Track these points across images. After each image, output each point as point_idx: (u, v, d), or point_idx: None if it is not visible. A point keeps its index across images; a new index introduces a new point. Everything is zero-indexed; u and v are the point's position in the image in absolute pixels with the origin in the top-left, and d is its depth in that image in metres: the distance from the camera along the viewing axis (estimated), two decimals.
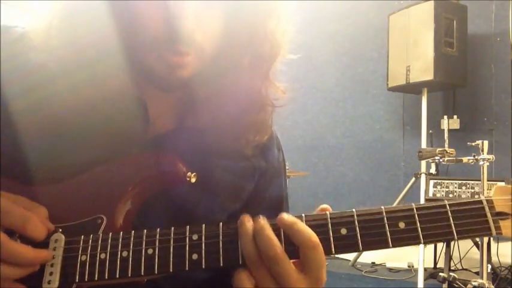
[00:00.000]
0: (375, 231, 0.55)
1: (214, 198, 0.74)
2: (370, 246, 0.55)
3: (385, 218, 0.55)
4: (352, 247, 0.55)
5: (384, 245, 0.55)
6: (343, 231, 0.55)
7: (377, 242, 0.55)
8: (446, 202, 0.54)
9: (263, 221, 0.55)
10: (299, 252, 0.54)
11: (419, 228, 0.54)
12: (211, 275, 0.74)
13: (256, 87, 0.73)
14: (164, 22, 0.61)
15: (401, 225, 0.54)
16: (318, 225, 0.56)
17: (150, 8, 0.62)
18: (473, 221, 0.54)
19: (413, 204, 0.55)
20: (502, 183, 0.58)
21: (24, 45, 0.66)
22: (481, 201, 0.54)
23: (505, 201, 0.53)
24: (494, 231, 0.53)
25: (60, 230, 0.61)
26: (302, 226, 0.54)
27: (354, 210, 0.56)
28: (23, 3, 0.70)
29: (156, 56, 0.63)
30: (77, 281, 0.58)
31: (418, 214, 0.54)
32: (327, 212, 0.57)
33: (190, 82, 0.69)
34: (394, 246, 0.54)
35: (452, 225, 0.54)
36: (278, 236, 0.55)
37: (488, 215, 0.53)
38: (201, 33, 0.64)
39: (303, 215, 0.57)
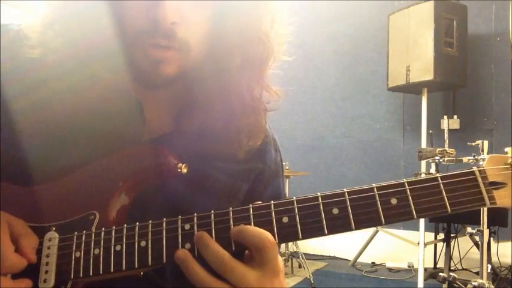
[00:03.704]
0: (367, 209, 0.54)
1: (211, 199, 0.74)
2: (363, 224, 0.54)
3: (377, 195, 0.54)
4: (345, 227, 0.54)
5: (377, 222, 0.54)
6: (335, 211, 0.55)
7: (370, 219, 0.54)
8: (438, 175, 0.54)
9: (204, 237, 0.56)
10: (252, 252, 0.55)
11: (411, 203, 0.53)
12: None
13: (249, 90, 0.72)
14: (146, 15, 0.61)
15: (394, 201, 0.54)
16: (309, 206, 0.56)
17: (133, 2, 0.62)
18: (466, 192, 0.53)
19: (404, 179, 0.54)
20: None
21: (19, 44, 0.66)
22: (473, 172, 0.53)
23: (498, 170, 0.52)
24: (488, 202, 0.52)
25: (54, 228, 0.61)
26: (251, 231, 0.55)
27: (344, 189, 0.55)
28: (21, 3, 0.70)
29: (140, 52, 0.63)
30: (72, 277, 0.58)
31: (409, 189, 0.54)
32: (318, 193, 0.56)
33: (179, 81, 0.68)
34: (386, 222, 0.54)
35: (445, 197, 0.53)
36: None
37: (481, 185, 0.52)
38: (185, 28, 0.63)
39: (295, 197, 0.56)
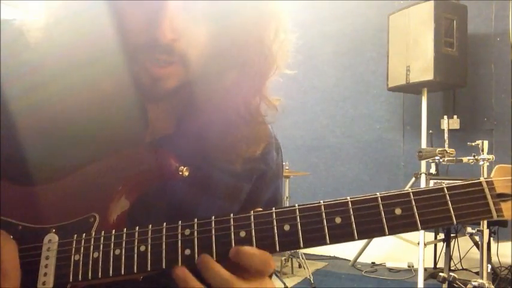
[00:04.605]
0: (371, 219, 0.53)
1: (213, 200, 0.74)
2: (365, 234, 0.53)
3: (381, 205, 0.53)
4: (347, 236, 0.53)
5: (380, 233, 0.53)
6: (338, 220, 0.54)
7: (373, 230, 0.53)
8: (444, 185, 0.52)
9: (204, 259, 0.56)
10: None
11: (416, 214, 0.52)
12: None
13: (246, 102, 0.71)
14: (146, 31, 0.60)
15: (398, 211, 0.52)
16: (312, 215, 0.55)
17: (133, 15, 0.61)
18: (473, 203, 0.51)
19: (409, 189, 0.53)
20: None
21: (21, 44, 0.66)
22: (480, 183, 0.51)
23: (506, 181, 0.50)
24: (495, 214, 0.50)
25: (54, 230, 0.61)
26: (254, 255, 0.55)
27: (348, 198, 0.54)
28: (23, 3, 0.70)
29: (140, 66, 0.63)
30: (71, 281, 0.58)
31: (414, 199, 0.52)
32: (321, 201, 0.55)
33: (178, 90, 0.68)
34: (390, 233, 0.53)
35: (451, 209, 0.51)
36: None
37: (488, 196, 0.50)
38: (184, 43, 0.62)
39: (297, 205, 0.56)
